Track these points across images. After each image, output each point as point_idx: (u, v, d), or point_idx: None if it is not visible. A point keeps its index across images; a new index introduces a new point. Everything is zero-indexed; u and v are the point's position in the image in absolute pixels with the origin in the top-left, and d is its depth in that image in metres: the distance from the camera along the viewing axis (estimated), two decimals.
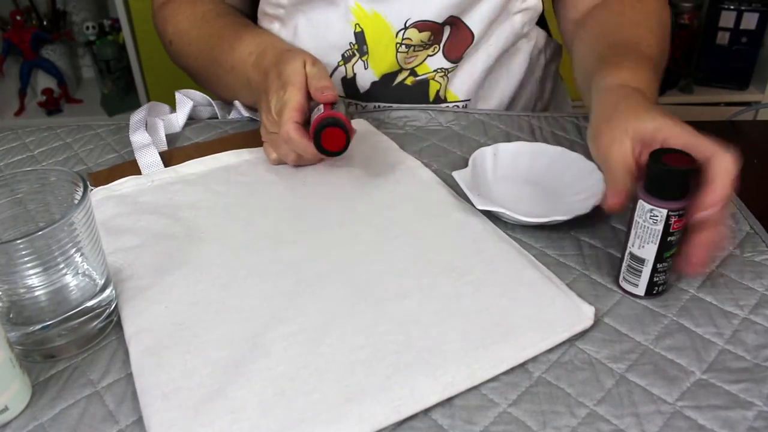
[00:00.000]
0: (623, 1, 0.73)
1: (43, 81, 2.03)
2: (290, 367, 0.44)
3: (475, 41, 0.75)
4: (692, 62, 1.98)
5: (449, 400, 0.43)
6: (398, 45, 0.74)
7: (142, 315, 0.48)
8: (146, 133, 0.68)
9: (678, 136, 0.48)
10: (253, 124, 0.75)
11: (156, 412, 0.41)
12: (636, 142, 0.50)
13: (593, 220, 0.58)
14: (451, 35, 0.75)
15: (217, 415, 0.41)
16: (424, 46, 0.75)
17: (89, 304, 0.47)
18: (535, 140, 0.71)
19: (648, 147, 0.49)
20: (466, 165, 0.62)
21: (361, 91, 0.78)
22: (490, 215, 0.58)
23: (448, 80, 0.78)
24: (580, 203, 0.57)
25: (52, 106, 2.00)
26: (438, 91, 0.78)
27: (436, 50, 0.76)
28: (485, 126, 0.74)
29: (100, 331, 0.48)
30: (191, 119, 0.77)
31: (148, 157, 0.66)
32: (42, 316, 0.45)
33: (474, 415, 0.42)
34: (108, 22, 2.00)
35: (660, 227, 0.47)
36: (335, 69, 0.77)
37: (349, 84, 0.78)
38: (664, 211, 0.46)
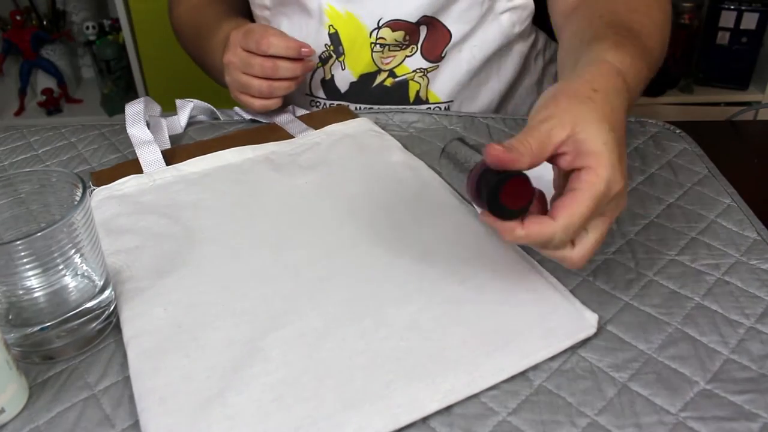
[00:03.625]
0: None
1: (43, 81, 2.04)
2: (289, 373, 0.43)
3: (453, 41, 0.75)
4: (692, 62, 1.98)
5: (448, 408, 0.42)
6: (372, 45, 0.74)
7: (141, 317, 0.48)
8: (146, 128, 0.68)
9: (596, 165, 0.42)
10: (255, 124, 0.75)
11: (153, 417, 0.41)
12: (570, 140, 0.43)
13: None
14: (428, 35, 0.75)
15: (215, 421, 0.40)
16: (400, 46, 0.75)
17: (88, 305, 0.47)
18: None
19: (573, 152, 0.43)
20: None
21: (341, 91, 0.79)
22: None
23: (428, 81, 0.78)
24: None
25: (52, 106, 2.00)
26: (418, 92, 0.78)
27: (414, 50, 0.76)
28: (490, 130, 0.74)
29: (99, 332, 0.48)
30: (194, 120, 0.77)
31: (150, 156, 0.66)
32: (41, 317, 0.45)
33: (473, 424, 0.41)
34: (108, 22, 2.01)
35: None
36: (314, 71, 0.79)
37: (328, 85, 0.79)
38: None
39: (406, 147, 0.69)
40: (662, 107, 1.96)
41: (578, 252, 0.44)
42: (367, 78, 0.77)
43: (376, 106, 0.79)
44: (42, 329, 0.45)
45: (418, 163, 0.65)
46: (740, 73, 1.93)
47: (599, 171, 0.41)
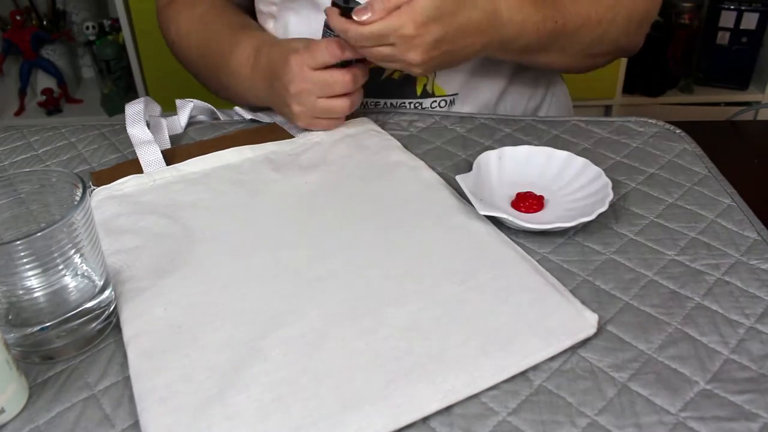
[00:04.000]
0: None
1: (43, 81, 2.04)
2: (289, 373, 0.43)
3: None
4: (692, 62, 1.98)
5: (448, 408, 0.42)
6: None
7: (141, 317, 0.48)
8: (146, 128, 0.67)
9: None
10: (255, 124, 0.75)
11: (153, 417, 0.41)
12: None
13: (598, 226, 0.58)
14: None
15: (215, 421, 0.40)
16: None
17: (88, 305, 0.47)
18: (541, 144, 0.70)
19: None
20: (470, 168, 0.62)
21: None
22: (493, 219, 0.57)
23: (435, 74, 0.78)
24: (584, 209, 0.57)
25: (52, 106, 2.00)
26: (425, 85, 0.78)
27: None
28: (491, 129, 0.74)
29: (99, 332, 0.48)
30: (194, 120, 0.77)
31: (150, 155, 0.65)
32: (41, 317, 0.45)
33: (473, 424, 0.41)
34: (108, 22, 2.01)
35: None
36: None
37: None
38: None
39: (406, 147, 0.69)
40: (662, 107, 1.97)
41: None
42: (374, 72, 0.77)
43: (382, 100, 0.79)
44: (42, 329, 0.45)
45: (418, 163, 0.65)
46: (740, 73, 1.94)
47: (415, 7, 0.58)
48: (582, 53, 0.74)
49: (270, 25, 0.80)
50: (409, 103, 0.79)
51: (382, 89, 0.78)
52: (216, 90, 0.81)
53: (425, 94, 0.79)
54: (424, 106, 0.79)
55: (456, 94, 0.79)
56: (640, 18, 0.75)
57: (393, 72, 0.77)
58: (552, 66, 0.77)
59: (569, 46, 0.71)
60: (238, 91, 0.75)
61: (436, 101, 0.79)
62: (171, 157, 0.67)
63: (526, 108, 0.86)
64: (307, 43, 0.65)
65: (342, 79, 0.65)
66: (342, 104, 0.67)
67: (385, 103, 0.79)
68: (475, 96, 0.81)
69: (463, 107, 0.80)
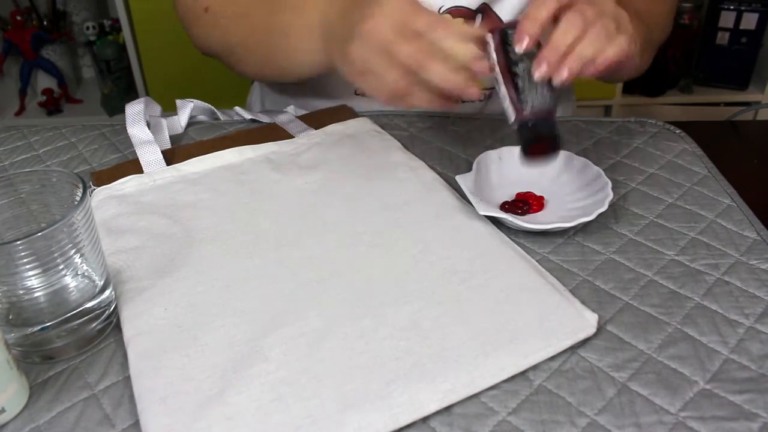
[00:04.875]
0: None
1: (43, 81, 2.04)
2: (289, 372, 0.43)
3: None
4: (692, 62, 1.98)
5: (448, 408, 0.42)
6: None
7: (141, 317, 0.48)
8: (146, 128, 0.67)
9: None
10: (255, 124, 0.75)
11: (153, 417, 0.41)
12: None
13: (598, 226, 0.58)
14: (481, 25, 0.75)
15: (215, 421, 0.40)
16: None
17: (89, 305, 0.47)
18: None
19: None
20: (470, 168, 0.62)
21: None
22: (493, 219, 0.57)
23: None
24: (584, 209, 0.57)
25: (52, 106, 2.00)
26: None
27: None
28: (491, 129, 0.74)
29: (99, 332, 0.48)
30: (194, 120, 0.77)
31: (151, 155, 0.65)
32: (41, 317, 0.45)
33: (473, 424, 0.41)
34: (108, 22, 2.01)
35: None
36: None
37: None
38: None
39: (406, 147, 0.69)
40: (662, 107, 1.97)
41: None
42: None
43: None
44: (42, 329, 0.45)
45: (418, 163, 0.65)
46: (740, 73, 1.94)
47: None
48: (654, 49, 0.72)
49: None
50: (430, 113, 0.78)
51: None
52: (258, 56, 0.72)
53: None
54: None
55: (492, 88, 0.78)
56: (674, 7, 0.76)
57: None
58: (641, 67, 0.73)
59: (653, 42, 0.70)
60: (294, 31, 0.65)
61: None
62: (171, 157, 0.67)
63: None
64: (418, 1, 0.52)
65: (416, 50, 0.50)
66: (396, 80, 0.51)
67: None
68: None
69: (494, 103, 0.80)
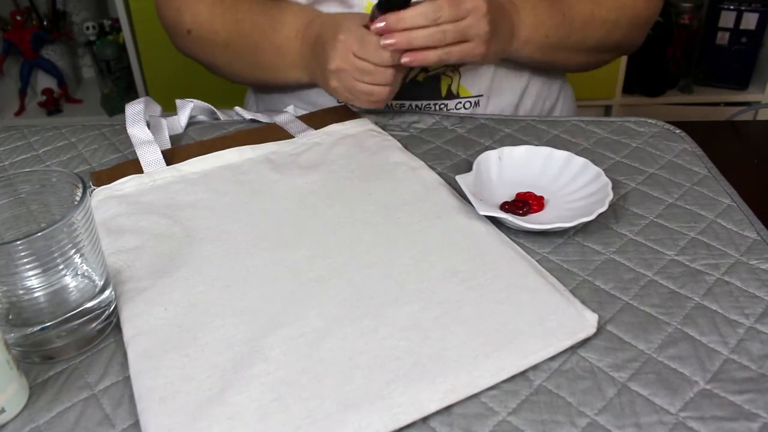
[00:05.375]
0: None
1: (43, 81, 2.03)
2: (289, 372, 0.43)
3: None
4: (692, 62, 1.98)
5: (448, 407, 0.42)
6: None
7: (141, 317, 0.48)
8: (146, 128, 0.67)
9: None
10: (255, 124, 0.75)
11: (153, 417, 0.41)
12: None
13: (598, 226, 0.58)
14: None
15: (215, 420, 0.40)
16: None
17: (88, 305, 0.47)
18: (541, 144, 0.70)
19: None
20: (470, 168, 0.62)
21: None
22: (493, 219, 0.57)
23: (460, 75, 0.78)
24: (584, 209, 0.57)
25: (52, 106, 2.00)
26: (450, 86, 0.78)
27: None
28: (491, 129, 0.74)
29: (99, 332, 0.48)
30: (194, 120, 0.77)
31: (150, 155, 0.65)
32: (41, 317, 0.45)
33: (473, 424, 0.41)
34: (108, 22, 2.00)
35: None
36: None
37: None
38: None
39: (406, 147, 0.69)
40: (662, 107, 1.97)
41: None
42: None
43: (407, 102, 0.79)
44: (42, 329, 0.45)
45: (418, 163, 0.65)
46: (740, 73, 1.94)
47: None
48: (590, 51, 0.78)
49: None
50: (434, 104, 0.79)
51: (406, 91, 0.78)
52: (244, 76, 0.80)
53: (450, 96, 0.79)
54: (449, 108, 0.79)
55: (481, 96, 0.80)
56: (643, 21, 0.78)
57: (417, 73, 0.77)
58: (569, 64, 0.80)
59: (581, 43, 0.75)
60: (279, 68, 0.75)
61: (461, 102, 0.79)
62: (171, 157, 0.67)
63: (543, 108, 0.87)
64: (360, 32, 0.64)
65: (383, 72, 0.64)
66: (381, 91, 0.66)
67: (410, 105, 0.79)
68: (498, 97, 0.81)
69: (486, 109, 0.81)
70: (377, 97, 0.66)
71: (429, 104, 0.79)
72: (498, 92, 0.81)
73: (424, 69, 0.77)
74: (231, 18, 0.76)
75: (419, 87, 0.78)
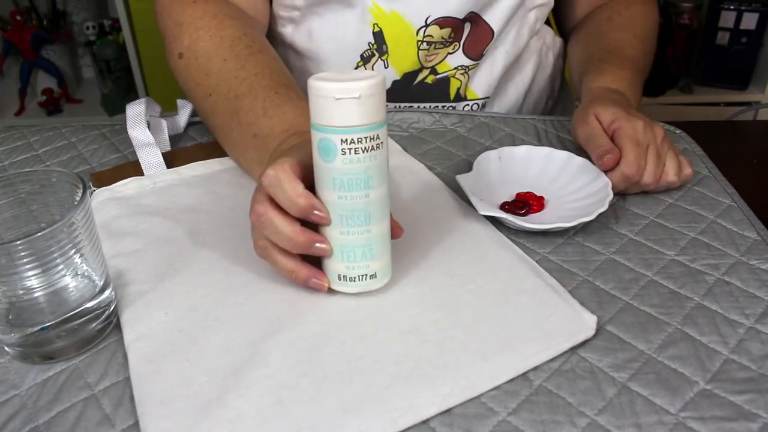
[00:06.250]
0: (612, 8, 0.79)
1: (43, 81, 2.03)
2: (289, 376, 0.43)
3: (494, 38, 0.75)
4: (692, 62, 1.98)
5: (448, 408, 0.42)
6: (419, 43, 0.74)
7: (142, 321, 0.48)
8: (147, 130, 0.67)
9: (625, 124, 0.61)
10: None
11: (153, 420, 0.41)
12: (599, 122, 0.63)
13: (598, 226, 0.58)
14: (471, 32, 0.75)
15: (215, 424, 0.40)
16: (445, 43, 0.75)
17: (88, 305, 0.47)
18: (541, 144, 0.70)
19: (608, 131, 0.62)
20: (470, 168, 0.62)
21: None
22: (493, 219, 0.57)
23: (468, 78, 0.78)
24: (584, 209, 0.57)
25: (52, 106, 2.00)
26: (459, 89, 0.79)
27: (456, 48, 0.76)
28: (490, 129, 0.74)
29: (99, 332, 0.48)
30: (194, 120, 0.77)
31: (151, 158, 0.65)
32: (41, 317, 0.45)
33: (473, 424, 0.41)
34: (108, 22, 2.01)
35: None
36: (355, 70, 0.77)
37: None
38: None
39: (405, 148, 0.69)
40: (662, 107, 1.97)
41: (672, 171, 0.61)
42: (409, 76, 0.77)
43: (416, 104, 0.79)
44: (42, 329, 0.45)
45: (419, 166, 0.65)
46: (740, 73, 1.94)
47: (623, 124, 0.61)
48: (647, 57, 0.79)
49: (289, 30, 0.77)
50: (443, 106, 0.79)
51: (415, 94, 0.78)
52: (204, 116, 0.67)
53: (458, 98, 0.79)
54: (456, 110, 0.79)
55: (488, 98, 0.80)
56: (654, 30, 0.82)
57: (426, 76, 0.78)
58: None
59: (643, 61, 0.76)
60: (246, 154, 0.61)
61: (468, 105, 0.80)
62: (172, 159, 0.67)
63: (546, 107, 0.88)
64: (280, 178, 0.47)
65: (292, 234, 0.47)
66: (282, 263, 0.49)
67: (419, 107, 0.79)
68: (503, 98, 0.82)
69: (492, 110, 0.82)
70: (277, 266, 0.49)
71: (437, 107, 0.79)
72: (501, 94, 0.82)
73: (434, 71, 0.77)
74: (230, 67, 0.62)
75: (428, 89, 0.78)
